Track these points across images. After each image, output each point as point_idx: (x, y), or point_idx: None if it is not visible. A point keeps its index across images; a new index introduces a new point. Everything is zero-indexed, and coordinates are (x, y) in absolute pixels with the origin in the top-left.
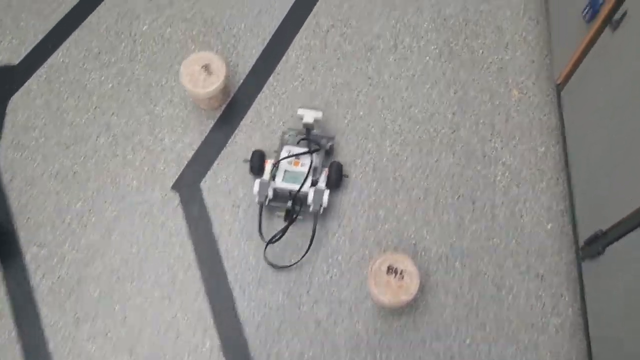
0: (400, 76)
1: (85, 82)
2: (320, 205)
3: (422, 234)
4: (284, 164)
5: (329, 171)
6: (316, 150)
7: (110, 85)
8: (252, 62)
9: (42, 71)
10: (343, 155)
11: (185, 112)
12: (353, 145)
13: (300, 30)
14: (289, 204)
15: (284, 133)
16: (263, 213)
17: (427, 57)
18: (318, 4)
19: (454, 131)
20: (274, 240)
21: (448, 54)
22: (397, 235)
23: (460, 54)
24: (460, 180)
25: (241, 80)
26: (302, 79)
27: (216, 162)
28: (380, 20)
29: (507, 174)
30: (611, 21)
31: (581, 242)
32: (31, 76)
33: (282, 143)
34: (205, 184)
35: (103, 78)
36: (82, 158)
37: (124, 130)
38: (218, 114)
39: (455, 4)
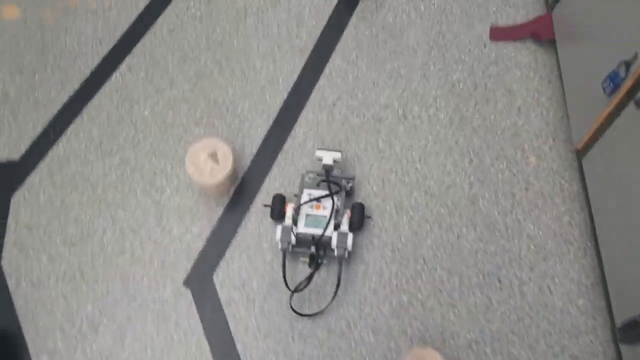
0: (412, 147)
1: (88, 174)
2: (345, 249)
3: (449, 318)
4: (305, 208)
5: (352, 213)
6: (337, 192)
7: (114, 176)
8: (258, 141)
9: (43, 165)
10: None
11: (193, 200)
12: (369, 224)
13: (306, 104)
14: (313, 249)
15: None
16: (287, 259)
17: (438, 126)
18: (322, 76)
19: (473, 203)
20: (300, 288)
21: (459, 121)
22: (422, 322)
23: (472, 120)
24: (485, 257)
25: (249, 162)
26: (312, 156)
27: (227, 253)
28: (386, 90)
29: (532, 247)
30: (635, 98)
31: (617, 320)
32: (33, 171)
33: (302, 186)
34: (217, 278)
35: (106, 169)
36: (89, 256)
37: (130, 224)
38: (227, 199)
39: (462, 68)
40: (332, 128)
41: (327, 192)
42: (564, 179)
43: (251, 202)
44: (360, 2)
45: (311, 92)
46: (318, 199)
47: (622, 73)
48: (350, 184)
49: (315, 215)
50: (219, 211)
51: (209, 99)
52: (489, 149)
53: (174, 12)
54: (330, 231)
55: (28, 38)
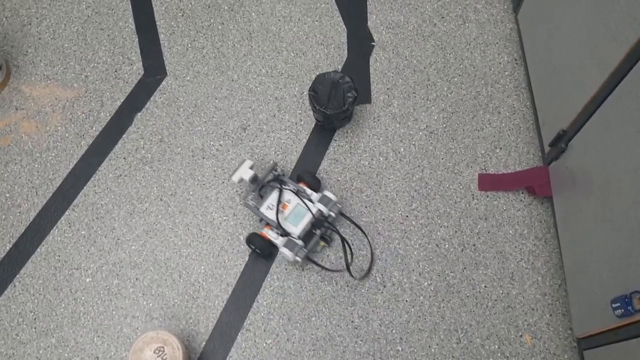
0: (392, 324)
1: (20, 359)
2: (335, 204)
3: None
4: (281, 218)
5: (305, 182)
6: (284, 183)
7: None
8: (216, 314)
9: None
10: None
11: None
12: None
13: (271, 268)
14: (317, 232)
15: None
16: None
17: (422, 297)
18: None
19: None
20: (353, 273)
21: (445, 290)
22: None
23: (460, 289)
24: None
25: (204, 342)
26: (277, 335)
27: None
28: (362, 252)
29: None
30: None
31: None
32: None
33: (257, 208)
34: None
35: (42, 352)
36: None
37: None
38: None
39: (448, 224)
40: (300, 297)
41: (276, 191)
42: None
43: None
44: (332, 142)
45: (275, 257)
46: (279, 202)
47: (636, 304)
48: (278, 170)
49: (292, 211)
50: None
51: (159, 262)
52: (479, 325)
53: (122, 153)
54: (314, 208)
55: None
